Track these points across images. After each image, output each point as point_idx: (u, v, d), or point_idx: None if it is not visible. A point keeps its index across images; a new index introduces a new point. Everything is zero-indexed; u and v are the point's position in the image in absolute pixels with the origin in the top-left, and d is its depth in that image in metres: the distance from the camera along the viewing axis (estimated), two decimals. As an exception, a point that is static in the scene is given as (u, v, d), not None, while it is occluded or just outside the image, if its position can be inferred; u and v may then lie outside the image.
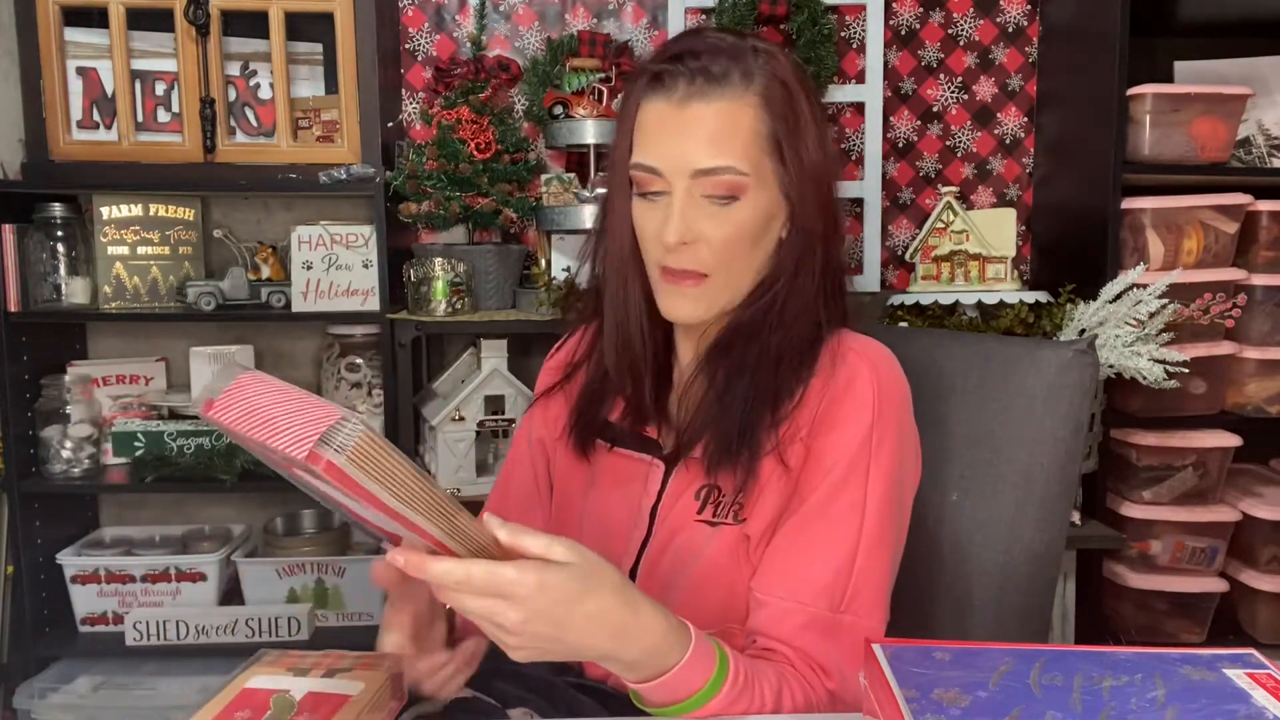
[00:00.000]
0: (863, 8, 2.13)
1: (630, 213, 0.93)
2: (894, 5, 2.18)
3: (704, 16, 2.14)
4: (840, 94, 2.16)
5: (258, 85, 2.04)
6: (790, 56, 0.94)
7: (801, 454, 0.90)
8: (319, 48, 2.05)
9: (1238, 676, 0.66)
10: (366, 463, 0.61)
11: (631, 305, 0.96)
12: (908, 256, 1.98)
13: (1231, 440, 1.86)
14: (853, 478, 0.88)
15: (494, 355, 1.88)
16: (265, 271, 2.05)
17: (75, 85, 1.99)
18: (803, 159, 0.90)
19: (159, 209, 2.03)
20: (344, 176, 1.90)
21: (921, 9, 2.19)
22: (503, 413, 1.89)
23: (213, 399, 0.64)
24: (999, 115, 2.22)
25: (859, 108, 2.18)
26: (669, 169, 0.89)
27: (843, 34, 2.17)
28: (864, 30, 2.15)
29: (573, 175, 1.98)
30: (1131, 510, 1.88)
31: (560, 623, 0.72)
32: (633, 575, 0.98)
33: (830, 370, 0.91)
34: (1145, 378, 1.64)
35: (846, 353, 0.92)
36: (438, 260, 1.85)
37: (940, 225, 1.91)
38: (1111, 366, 1.66)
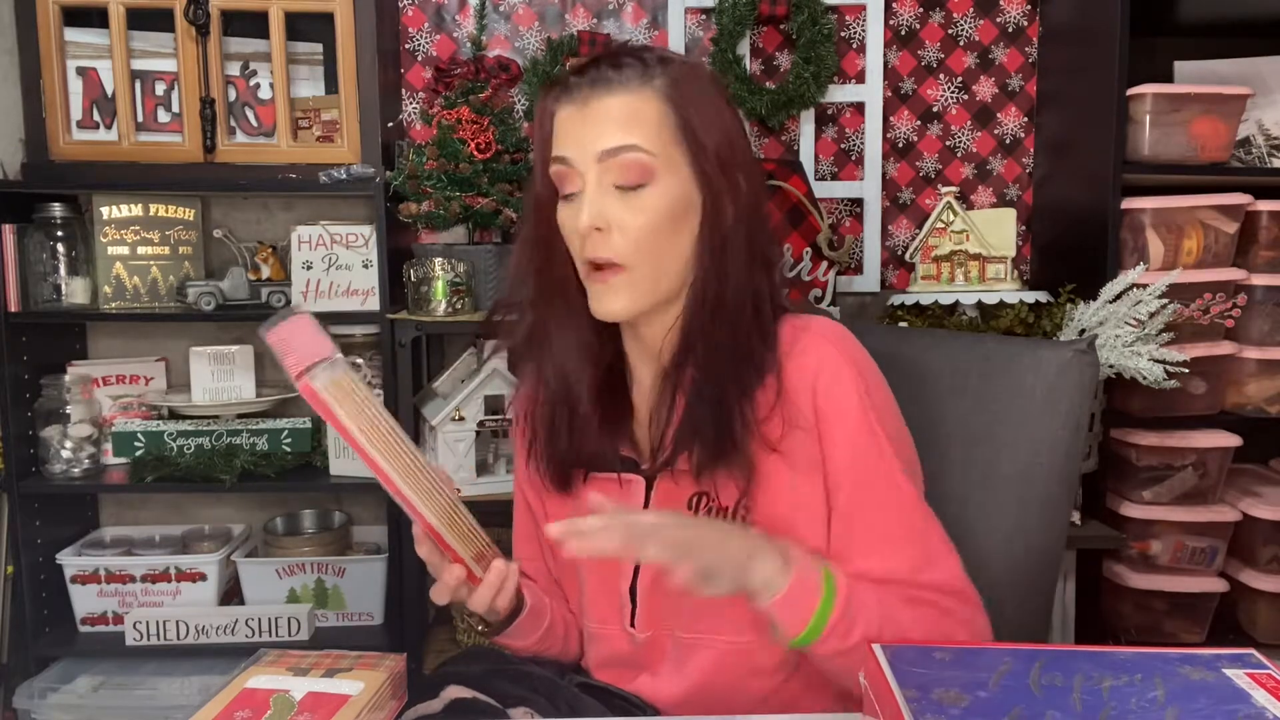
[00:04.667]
0: (863, 8, 2.14)
1: (556, 224, 0.94)
2: (894, 5, 2.18)
3: (704, 16, 2.15)
4: (840, 94, 2.16)
5: (258, 85, 2.04)
6: (702, 64, 0.96)
7: (811, 441, 0.91)
8: (319, 48, 2.05)
9: (1238, 676, 0.66)
10: (339, 395, 0.74)
11: (571, 314, 0.97)
12: (908, 256, 1.98)
13: (1231, 440, 1.86)
14: (870, 454, 0.90)
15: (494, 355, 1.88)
16: (265, 271, 2.05)
17: (75, 85, 1.99)
18: (714, 151, 0.92)
19: (159, 209, 2.03)
20: (344, 176, 1.90)
21: (921, 9, 2.19)
22: (503, 413, 1.89)
23: (270, 326, 0.77)
24: (999, 115, 2.22)
25: (859, 108, 2.18)
26: (577, 157, 0.91)
27: (843, 34, 2.17)
28: (864, 30, 2.15)
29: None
30: (1131, 510, 1.88)
31: (694, 524, 0.86)
32: (632, 593, 0.98)
33: (796, 355, 0.92)
34: (1145, 378, 1.64)
35: (802, 337, 0.93)
36: (438, 260, 1.85)
37: (940, 225, 1.91)
38: (1111, 366, 1.66)
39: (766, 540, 0.86)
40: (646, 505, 0.97)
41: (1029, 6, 2.19)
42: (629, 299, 0.92)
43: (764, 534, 0.88)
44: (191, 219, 2.05)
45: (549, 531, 0.81)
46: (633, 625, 0.98)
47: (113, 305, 2.00)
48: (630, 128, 0.89)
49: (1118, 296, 1.70)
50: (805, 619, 0.84)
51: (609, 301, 0.92)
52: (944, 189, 1.94)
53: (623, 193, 0.90)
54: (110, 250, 1.99)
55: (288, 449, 1.97)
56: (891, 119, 2.21)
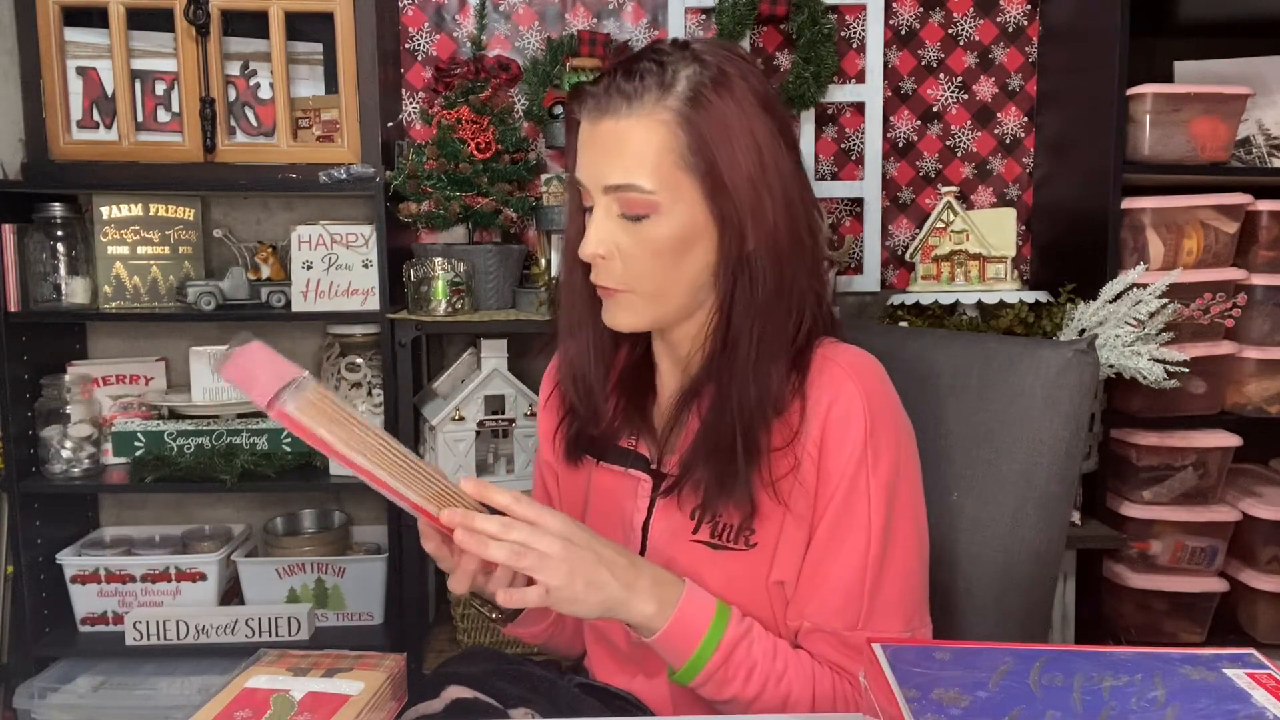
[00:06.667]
0: (863, 8, 2.13)
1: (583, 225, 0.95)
2: (894, 5, 2.18)
3: (704, 16, 2.14)
4: (840, 94, 2.16)
5: (258, 85, 2.04)
6: (747, 71, 0.89)
7: (813, 472, 0.90)
8: (319, 48, 2.04)
9: (1238, 676, 0.66)
10: (315, 413, 0.74)
11: (584, 316, 0.98)
12: (908, 256, 1.98)
13: (1231, 440, 1.86)
14: (854, 498, 0.89)
15: (494, 355, 1.88)
16: (265, 271, 2.05)
17: (75, 85, 1.99)
18: (739, 173, 0.86)
19: (159, 209, 2.03)
20: (344, 176, 1.90)
21: (921, 9, 2.19)
22: (503, 413, 1.89)
23: (224, 362, 0.77)
24: (999, 115, 2.22)
25: (859, 108, 2.18)
26: (588, 183, 0.90)
27: (843, 34, 2.17)
28: (864, 30, 2.15)
29: (573, 175, 1.98)
30: (1131, 510, 1.88)
31: (590, 544, 0.84)
32: None
33: (819, 387, 0.91)
34: (1145, 378, 1.64)
35: (829, 368, 0.91)
36: (438, 260, 1.85)
37: (940, 225, 1.91)
38: (1111, 366, 1.66)
39: (655, 580, 0.88)
40: (651, 506, 0.98)
41: (1029, 6, 2.19)
42: (634, 316, 0.93)
43: (657, 572, 0.89)
44: (191, 219, 2.05)
45: (443, 516, 0.82)
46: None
47: (113, 305, 1.99)
48: (632, 164, 0.86)
49: (1118, 296, 1.70)
50: (677, 665, 0.89)
51: (616, 316, 0.94)
52: (944, 189, 1.94)
53: (628, 221, 0.89)
54: (110, 250, 1.99)
55: (288, 449, 1.97)
56: (891, 119, 2.21)
